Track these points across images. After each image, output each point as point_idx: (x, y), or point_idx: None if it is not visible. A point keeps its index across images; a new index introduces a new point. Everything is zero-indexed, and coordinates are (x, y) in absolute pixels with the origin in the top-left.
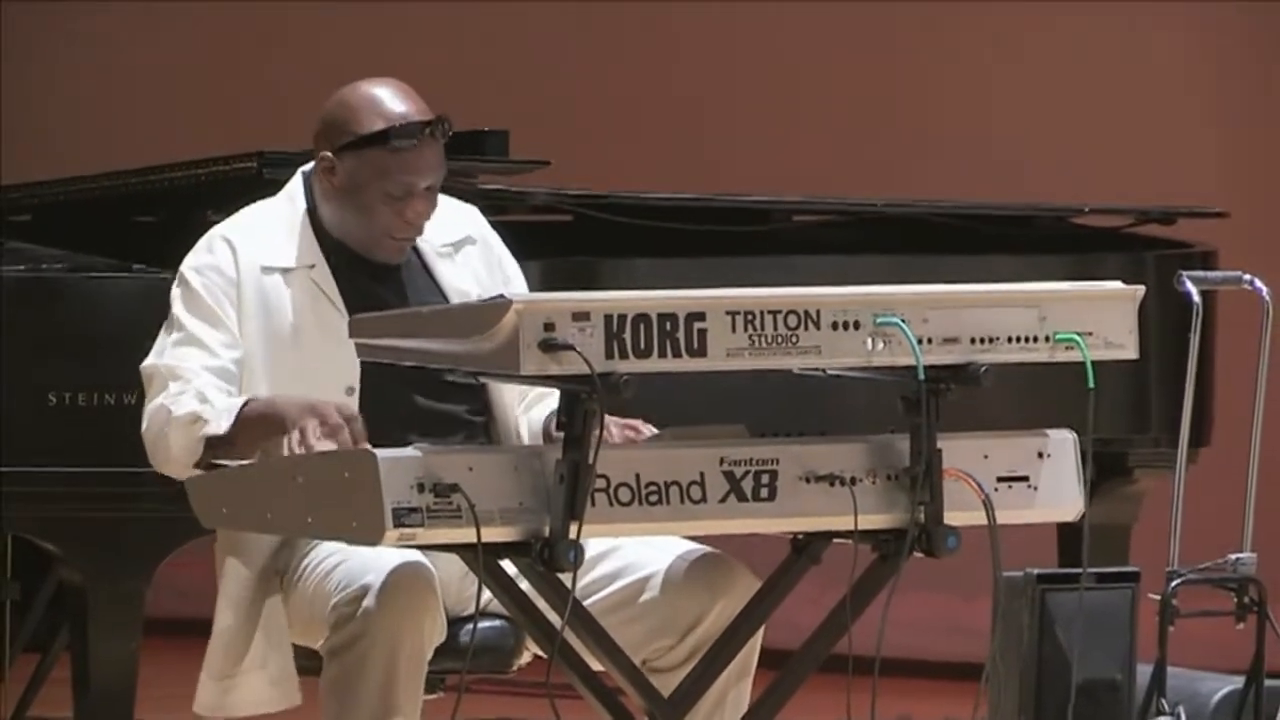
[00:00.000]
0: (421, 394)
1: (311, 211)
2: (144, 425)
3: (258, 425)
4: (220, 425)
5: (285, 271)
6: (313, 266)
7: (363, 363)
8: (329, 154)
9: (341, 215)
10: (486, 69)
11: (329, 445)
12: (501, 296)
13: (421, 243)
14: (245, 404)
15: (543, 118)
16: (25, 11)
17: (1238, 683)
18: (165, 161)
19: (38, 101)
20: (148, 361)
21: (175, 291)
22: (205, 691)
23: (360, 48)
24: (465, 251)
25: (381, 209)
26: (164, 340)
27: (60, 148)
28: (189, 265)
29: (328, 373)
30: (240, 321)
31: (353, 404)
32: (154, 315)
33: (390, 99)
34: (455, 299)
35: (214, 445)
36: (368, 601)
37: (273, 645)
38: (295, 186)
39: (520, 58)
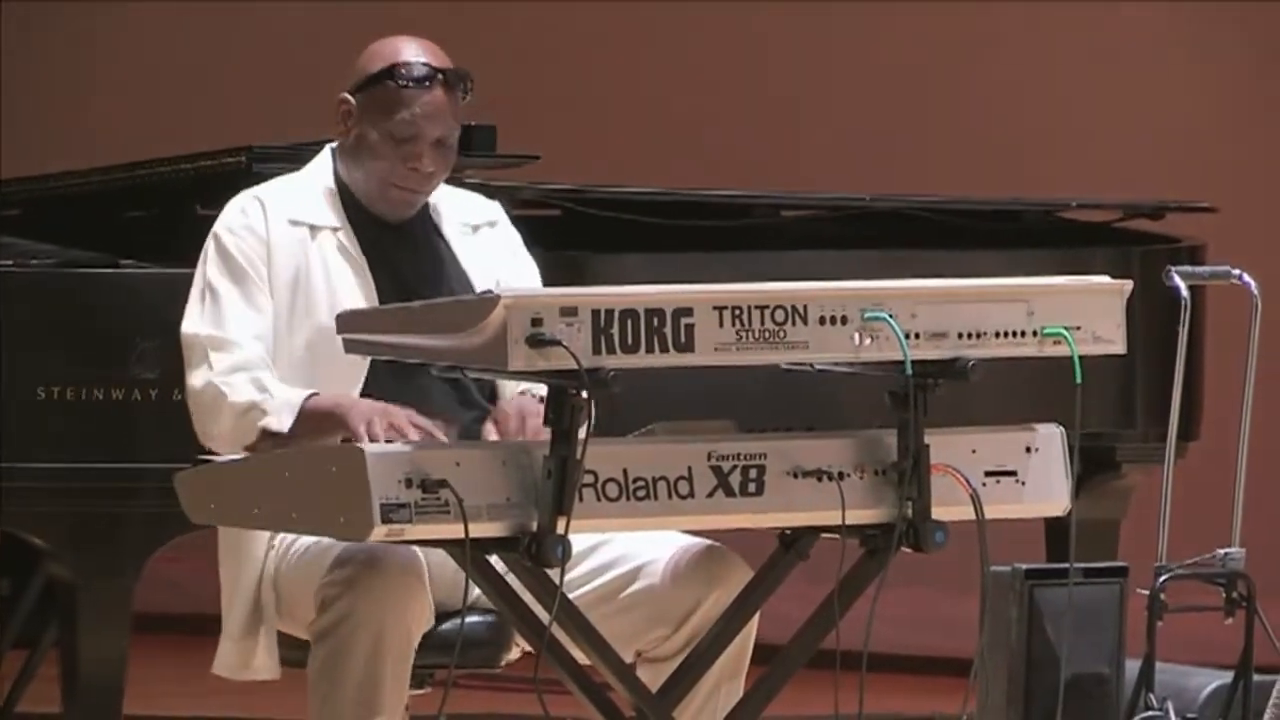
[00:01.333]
0: (437, 369)
1: (337, 181)
2: (191, 396)
3: (321, 421)
4: (282, 421)
5: (313, 229)
6: (338, 229)
7: None
8: (347, 95)
9: (352, 165)
10: (474, 64)
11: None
12: (489, 292)
13: (444, 220)
14: (308, 398)
15: (531, 113)
16: (18, 9)
17: (1226, 678)
18: (155, 156)
19: (30, 97)
20: (187, 329)
21: (209, 251)
22: (226, 654)
23: (350, 45)
24: (484, 234)
25: (385, 152)
26: (199, 306)
27: (51, 143)
28: (223, 225)
29: None
30: (270, 279)
31: (416, 415)
32: (144, 310)
33: (406, 45)
34: (473, 273)
35: (269, 435)
36: (353, 584)
37: (267, 617)
38: (323, 158)
39: (508, 53)
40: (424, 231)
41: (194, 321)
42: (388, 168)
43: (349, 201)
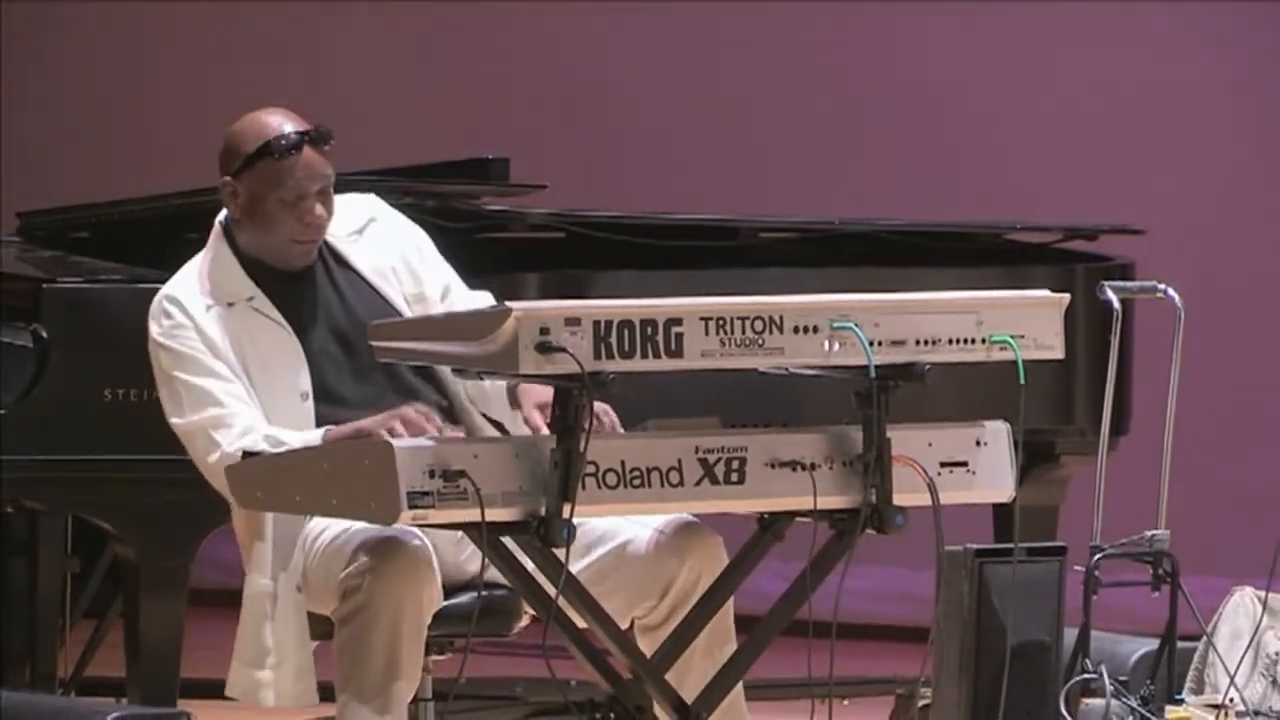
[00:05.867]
0: (371, 391)
1: (235, 250)
2: (214, 476)
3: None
4: None
5: (228, 306)
6: (251, 298)
7: (311, 370)
8: (229, 179)
9: (252, 233)
10: (491, 103)
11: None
12: (503, 305)
13: (329, 239)
14: (325, 433)
15: (540, 146)
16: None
17: (1153, 645)
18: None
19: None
20: (177, 423)
21: (159, 358)
22: (237, 676)
23: (392, 70)
24: (370, 232)
25: (281, 216)
26: (178, 404)
27: (121, 168)
28: (155, 335)
29: (283, 384)
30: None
31: (422, 407)
32: None
33: (269, 119)
34: (373, 277)
35: None
36: (371, 575)
37: (294, 645)
38: (215, 234)
39: (522, 92)
40: (322, 266)
41: (181, 412)
42: (288, 229)
43: (253, 267)
